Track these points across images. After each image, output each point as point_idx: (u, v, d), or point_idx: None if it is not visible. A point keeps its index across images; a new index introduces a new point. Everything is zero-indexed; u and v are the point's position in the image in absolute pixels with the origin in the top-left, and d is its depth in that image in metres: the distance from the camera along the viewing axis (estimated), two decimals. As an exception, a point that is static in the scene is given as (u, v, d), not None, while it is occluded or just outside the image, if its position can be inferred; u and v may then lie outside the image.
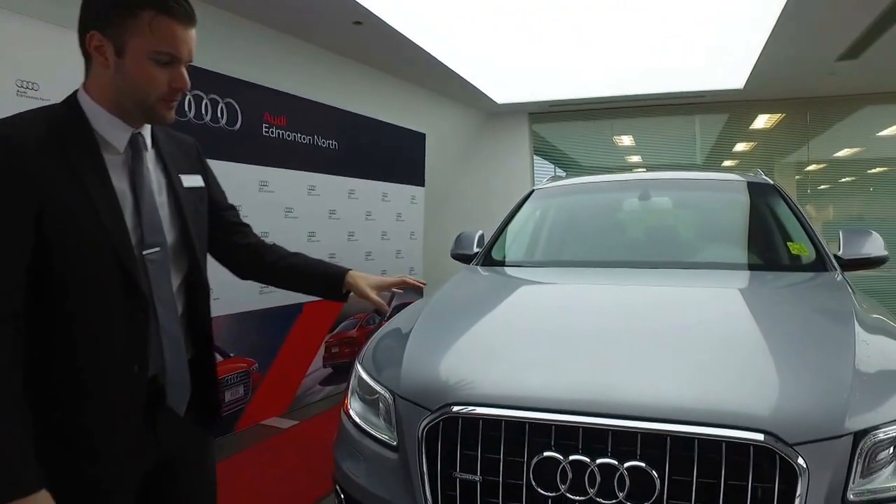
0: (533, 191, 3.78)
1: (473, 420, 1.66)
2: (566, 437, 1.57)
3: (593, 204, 3.71)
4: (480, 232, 3.55)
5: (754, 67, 5.74)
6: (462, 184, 7.99)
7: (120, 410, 1.27)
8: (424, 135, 6.41)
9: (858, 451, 1.48)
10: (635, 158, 8.04)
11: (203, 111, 3.86)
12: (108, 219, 1.24)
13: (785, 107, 7.08)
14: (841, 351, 1.77)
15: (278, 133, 4.52)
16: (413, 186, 6.27)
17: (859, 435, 1.49)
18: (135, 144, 1.33)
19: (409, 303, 2.53)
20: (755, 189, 3.34)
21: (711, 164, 7.58)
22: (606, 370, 1.75)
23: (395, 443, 1.83)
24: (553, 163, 8.06)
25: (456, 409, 1.69)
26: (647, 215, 3.60)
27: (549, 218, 3.61)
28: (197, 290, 1.46)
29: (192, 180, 1.49)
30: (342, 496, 2.00)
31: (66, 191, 1.20)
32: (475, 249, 3.44)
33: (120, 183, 1.29)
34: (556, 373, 1.77)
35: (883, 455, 1.52)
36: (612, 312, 2.23)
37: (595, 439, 1.55)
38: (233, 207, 1.68)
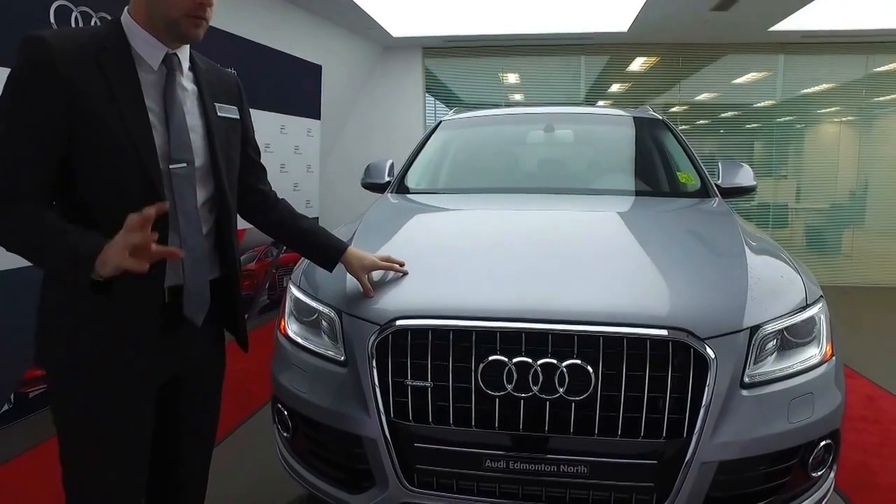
0: (441, 121, 3.83)
1: (423, 331, 1.75)
2: (510, 342, 1.70)
3: (500, 134, 3.83)
4: (391, 161, 3.57)
5: (638, 13, 6.00)
6: (356, 117, 7.87)
7: (137, 314, 1.32)
8: (321, 66, 6.22)
9: (753, 342, 1.73)
10: (519, 97, 8.21)
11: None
12: (136, 129, 1.28)
13: (661, 51, 7.49)
14: (736, 261, 2.02)
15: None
16: (309, 119, 6.11)
17: (754, 329, 1.74)
18: (169, 64, 1.36)
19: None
20: (648, 123, 3.59)
21: (592, 102, 7.91)
22: (543, 282, 1.88)
23: (342, 358, 1.89)
24: (439, 99, 8.07)
25: (406, 322, 1.77)
26: (552, 146, 3.76)
27: (458, 147, 3.69)
28: (222, 213, 1.50)
29: (228, 111, 1.53)
30: (285, 413, 2.05)
31: (97, 97, 1.24)
32: (387, 178, 3.46)
33: (151, 99, 1.32)
34: (497, 286, 1.89)
35: (769, 345, 1.78)
36: (536, 233, 2.36)
37: (536, 343, 1.69)
38: (258, 150, 1.72)
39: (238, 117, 1.57)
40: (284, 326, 2.13)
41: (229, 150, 1.52)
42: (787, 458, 1.74)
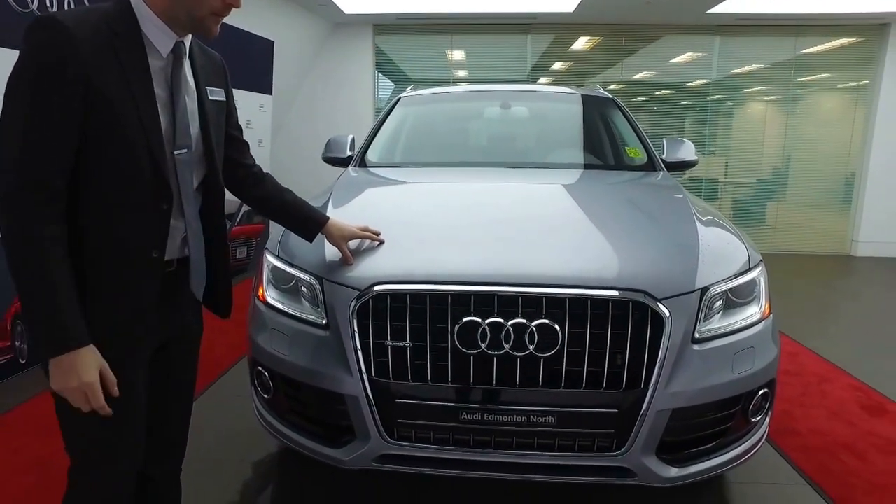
0: (400, 98, 3.85)
1: (401, 295, 1.82)
2: (483, 304, 1.79)
3: (458, 111, 3.88)
4: (352, 136, 3.57)
5: (585, -7, 6.11)
6: (305, 94, 7.75)
7: (138, 286, 1.34)
8: (273, 42, 6.11)
9: (703, 302, 1.86)
10: (465, 74, 8.22)
11: (48, 2, 3.40)
12: (146, 116, 1.28)
13: (605, 31, 7.62)
14: (687, 227, 2.16)
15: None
16: (261, 94, 6.01)
17: (703, 290, 1.87)
18: (177, 52, 1.35)
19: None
20: (598, 101, 3.71)
21: (536, 79, 8.01)
22: (513, 249, 1.98)
23: (324, 321, 1.94)
24: (388, 77, 8.01)
25: (384, 287, 1.83)
26: (509, 122, 3.83)
27: (418, 123, 3.72)
28: (213, 191, 1.52)
29: (217, 93, 1.53)
30: (266, 375, 2.09)
31: (111, 84, 1.23)
32: (348, 153, 3.48)
33: (159, 86, 1.32)
34: (469, 253, 1.97)
35: (717, 304, 1.92)
36: (501, 203, 2.45)
37: (508, 305, 1.78)
38: (240, 127, 1.72)
39: (224, 99, 1.58)
40: (263, 294, 2.16)
41: (218, 133, 1.54)
42: (731, 405, 1.90)
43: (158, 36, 1.31)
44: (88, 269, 1.28)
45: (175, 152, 1.35)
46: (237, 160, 1.71)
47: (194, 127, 1.42)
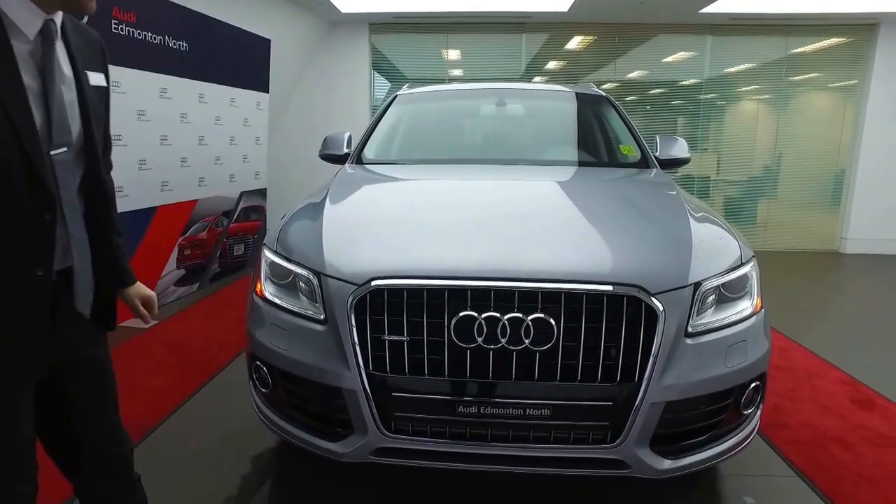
0: (397, 95, 3.86)
1: (398, 290, 1.83)
2: (480, 299, 1.79)
3: (454, 108, 3.89)
4: (349, 133, 3.58)
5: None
6: (302, 92, 7.74)
7: (20, 311, 1.18)
8: (270, 40, 6.10)
9: (696, 296, 1.88)
10: (461, 73, 8.21)
11: None
12: (16, 113, 1.09)
13: (599, 30, 7.63)
14: (680, 223, 2.17)
15: (128, 31, 4.10)
16: (258, 92, 6.01)
17: (697, 285, 1.89)
18: (46, 33, 1.16)
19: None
20: (593, 99, 3.72)
21: (530, 78, 8.01)
22: (509, 244, 1.98)
23: (322, 316, 1.94)
24: (384, 76, 8.00)
25: (382, 282, 1.84)
26: (504, 119, 3.84)
27: (415, 120, 3.73)
28: (97, 190, 1.34)
29: (97, 78, 1.33)
30: (264, 369, 2.09)
31: None
32: (345, 150, 3.48)
33: (28, 75, 1.13)
34: (465, 248, 1.98)
35: (710, 299, 1.94)
36: (496, 200, 2.46)
37: (504, 299, 1.79)
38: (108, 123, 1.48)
39: (106, 85, 1.37)
40: (261, 289, 2.16)
41: (100, 124, 1.34)
42: (724, 398, 1.92)
43: (23, 15, 1.11)
44: None
45: (52, 152, 1.16)
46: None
47: (74, 121, 1.23)
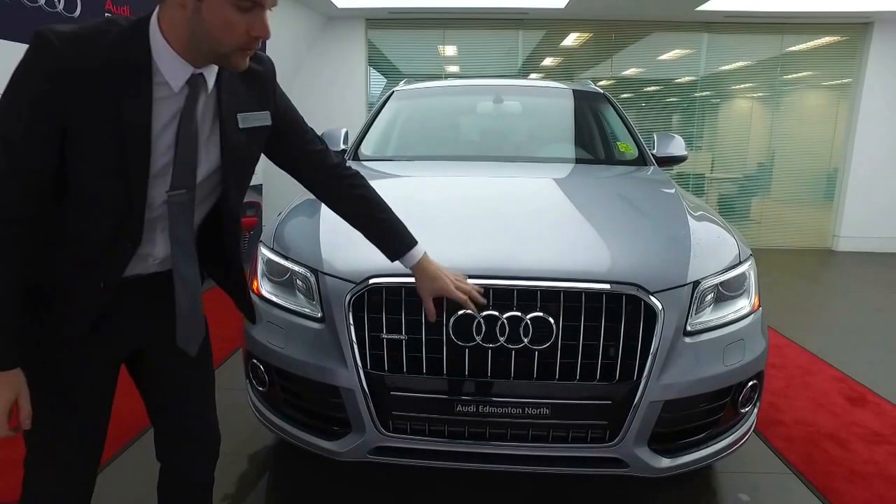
0: (394, 91, 3.82)
1: (397, 288, 1.80)
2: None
3: (451, 105, 3.85)
4: (345, 129, 3.55)
5: (575, -10, 6.08)
6: (297, 88, 7.68)
7: (80, 313, 1.25)
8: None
9: (694, 295, 1.86)
10: (457, 69, 8.17)
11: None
12: (133, 152, 1.15)
13: (595, 27, 7.60)
14: (679, 221, 2.16)
15: (123, 23, 4.02)
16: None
17: (695, 284, 1.87)
18: (193, 85, 1.19)
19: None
20: (590, 97, 3.69)
21: (526, 75, 7.98)
22: (507, 242, 1.96)
23: (319, 314, 1.92)
24: (380, 72, 7.95)
25: (380, 280, 1.81)
26: (501, 116, 3.81)
27: (412, 117, 3.70)
28: (223, 223, 1.38)
29: (253, 119, 1.33)
30: (261, 368, 2.07)
31: (99, 115, 1.11)
32: (342, 146, 3.45)
33: (164, 119, 1.17)
34: (464, 246, 1.95)
35: (708, 298, 1.92)
36: (495, 197, 2.44)
37: (503, 298, 1.77)
38: (311, 137, 1.58)
39: (268, 123, 1.38)
40: (258, 287, 2.13)
41: (246, 164, 1.38)
42: (722, 396, 1.91)
43: (172, 70, 1.15)
44: (36, 286, 1.22)
45: (169, 192, 1.22)
46: (316, 169, 1.60)
47: (204, 165, 1.26)
